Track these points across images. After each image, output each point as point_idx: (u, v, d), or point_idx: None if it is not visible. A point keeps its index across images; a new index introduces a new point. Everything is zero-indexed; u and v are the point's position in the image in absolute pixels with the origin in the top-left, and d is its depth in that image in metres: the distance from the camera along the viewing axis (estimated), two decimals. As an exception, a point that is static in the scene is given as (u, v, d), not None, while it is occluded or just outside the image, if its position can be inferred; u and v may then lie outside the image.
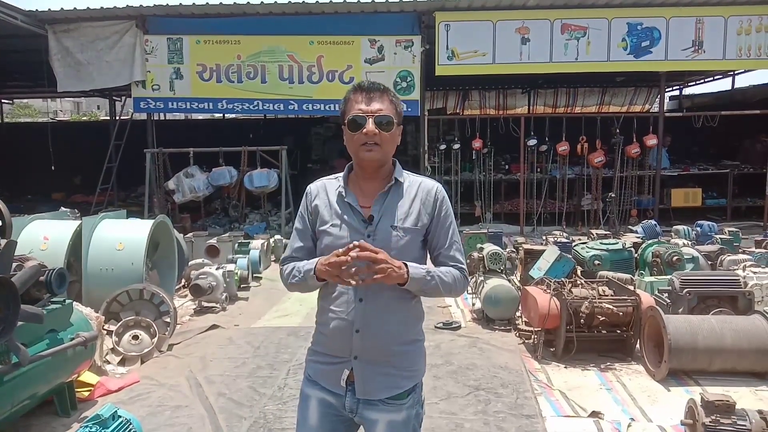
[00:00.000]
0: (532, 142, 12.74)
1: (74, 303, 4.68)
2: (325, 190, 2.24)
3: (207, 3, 11.39)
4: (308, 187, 2.32)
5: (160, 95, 11.99)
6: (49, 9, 11.19)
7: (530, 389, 4.70)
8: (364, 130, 2.09)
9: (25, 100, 30.59)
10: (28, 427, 4.23)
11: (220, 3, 11.38)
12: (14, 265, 3.92)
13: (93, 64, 11.81)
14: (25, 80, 17.49)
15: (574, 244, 7.79)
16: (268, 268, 9.53)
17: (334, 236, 2.15)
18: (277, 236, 10.68)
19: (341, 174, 2.26)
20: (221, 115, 19.67)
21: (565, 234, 10.04)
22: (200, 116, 21.43)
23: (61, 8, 11.29)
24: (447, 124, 14.49)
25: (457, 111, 19.76)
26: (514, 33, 11.60)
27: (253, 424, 4.17)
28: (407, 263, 2.07)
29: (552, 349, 5.44)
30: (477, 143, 12.87)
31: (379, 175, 2.20)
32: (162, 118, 19.21)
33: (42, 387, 4.17)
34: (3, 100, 22.29)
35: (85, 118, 37.71)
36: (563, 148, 12.64)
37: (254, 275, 8.77)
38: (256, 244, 9.27)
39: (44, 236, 6.27)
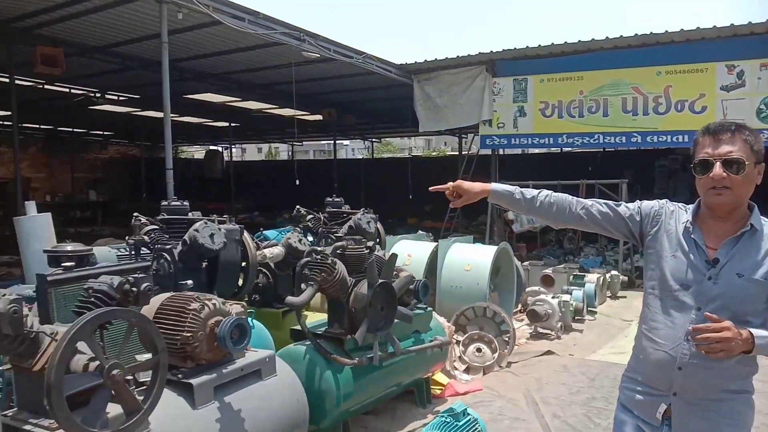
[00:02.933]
0: None
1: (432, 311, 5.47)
2: (676, 218, 2.21)
3: (552, 44, 11.88)
4: (666, 201, 2.31)
5: (504, 132, 12.90)
6: (415, 61, 13.09)
7: None
8: (711, 174, 2.02)
9: (388, 139, 35.81)
10: (394, 410, 5.09)
11: (565, 42, 11.76)
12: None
13: (448, 106, 13.35)
14: (391, 122, 20.62)
15: None
16: (603, 303, 9.40)
17: (672, 269, 2.13)
18: (614, 272, 10.42)
19: (692, 206, 2.22)
20: (558, 148, 20.03)
21: None
22: (536, 150, 22.14)
23: (425, 60, 13.11)
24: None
25: None
26: None
27: (587, 449, 4.27)
28: (753, 331, 1.94)
29: None
30: None
31: (732, 217, 2.10)
32: (502, 153, 20.50)
33: (406, 378, 4.98)
34: (373, 139, 26.63)
35: (434, 153, 42.28)
36: None
37: (589, 308, 8.75)
38: (592, 277, 9.24)
39: (408, 253, 7.41)
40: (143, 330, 2.62)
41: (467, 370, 6.13)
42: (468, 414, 3.96)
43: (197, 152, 32.82)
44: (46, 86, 13.55)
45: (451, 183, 2.56)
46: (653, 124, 11.43)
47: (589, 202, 2.37)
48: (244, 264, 5.04)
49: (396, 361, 4.60)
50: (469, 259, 7.20)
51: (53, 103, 16.22)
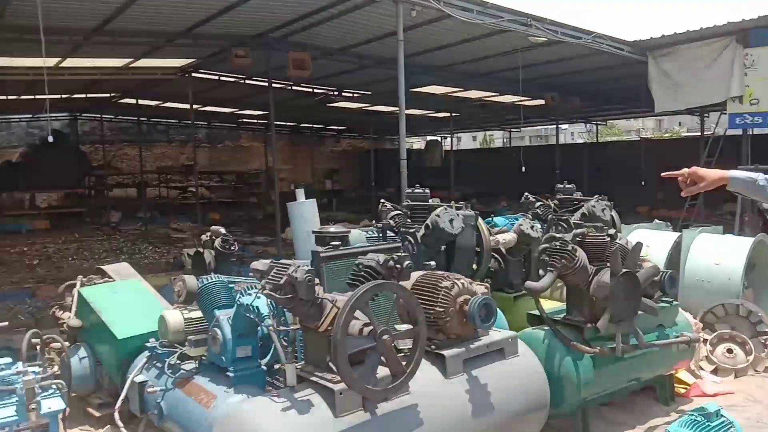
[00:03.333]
0: None
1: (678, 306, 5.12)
2: None
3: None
4: None
5: (758, 109, 11.36)
6: (651, 37, 12.10)
7: None
8: None
9: (613, 121, 33.63)
10: (633, 404, 4.91)
11: None
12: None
13: (690, 83, 12.13)
14: (617, 103, 19.35)
15: None
16: None
17: None
18: None
19: None
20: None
21: None
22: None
23: (662, 35, 12.06)
24: None
25: None
26: None
27: None
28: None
29: None
30: None
31: None
32: (753, 132, 18.06)
33: (647, 373, 4.76)
34: (598, 122, 25.24)
35: (666, 135, 38.68)
36: None
37: None
38: None
39: (645, 244, 6.97)
40: (408, 302, 2.93)
41: (715, 372, 5.63)
42: (722, 416, 3.69)
43: (415, 143, 34.28)
44: (293, 87, 15.30)
45: (685, 169, 2.43)
46: None
47: None
48: (478, 248, 5.27)
49: (638, 355, 4.42)
50: (719, 251, 6.55)
51: (297, 102, 18.23)
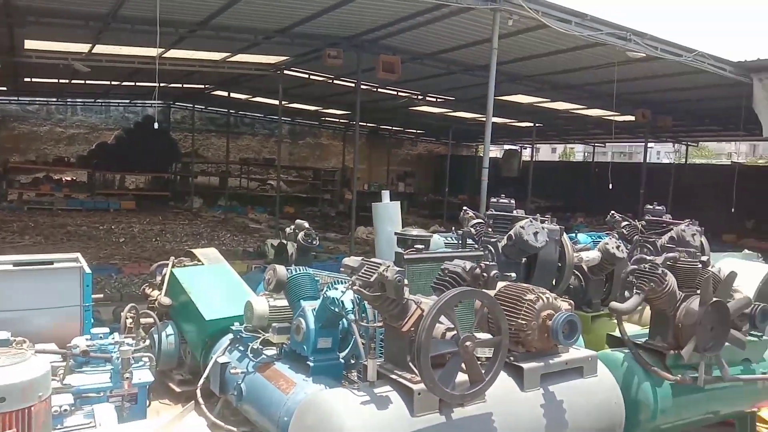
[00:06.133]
0: None
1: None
2: None
3: None
4: None
5: None
6: (758, 58, 11.51)
7: None
8: None
9: (704, 143, 32.07)
10: (709, 438, 4.72)
11: None
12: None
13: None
14: (712, 124, 18.48)
15: None
16: None
17: None
18: None
19: None
20: None
21: None
22: None
23: (769, 57, 11.45)
24: None
25: None
26: None
27: None
28: None
29: None
30: None
31: None
32: None
33: (728, 407, 4.56)
34: (689, 142, 24.18)
35: (761, 161, 36.54)
36: None
37: None
38: None
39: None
40: (493, 311, 2.97)
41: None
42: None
43: (493, 151, 33.92)
44: (379, 89, 15.52)
45: None
46: None
47: None
48: (560, 264, 5.21)
49: (720, 387, 4.26)
50: (816, 288, 6.17)
51: (379, 104, 18.47)
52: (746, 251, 8.95)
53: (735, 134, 19.66)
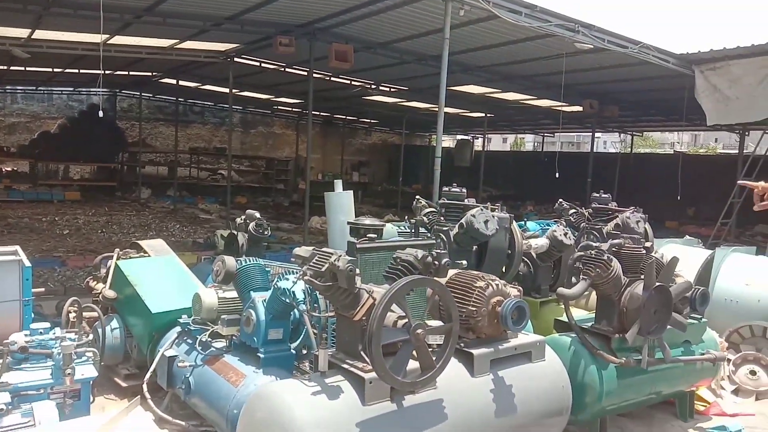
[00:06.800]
0: None
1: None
2: None
3: None
4: None
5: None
6: (699, 51, 11.91)
7: None
8: None
9: (649, 133, 33.09)
10: (652, 417, 4.91)
11: None
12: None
13: (741, 99, 11.90)
14: (657, 115, 19.06)
15: None
16: None
17: None
18: None
19: None
20: None
21: None
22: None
23: (710, 49, 11.85)
24: None
25: None
26: None
27: None
28: None
29: None
30: None
31: None
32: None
33: (669, 387, 4.75)
34: (634, 132, 24.91)
35: (701, 150, 38.01)
36: None
37: None
38: None
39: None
40: (444, 299, 2.99)
41: (736, 392, 5.58)
42: (743, 436, 3.70)
43: (445, 141, 34.18)
44: (332, 78, 15.38)
45: (762, 182, 2.44)
46: None
47: None
48: (509, 251, 5.30)
49: (663, 368, 4.42)
50: (751, 272, 6.47)
51: (333, 93, 18.30)
52: (687, 237, 9.30)
53: (678, 124, 20.31)
